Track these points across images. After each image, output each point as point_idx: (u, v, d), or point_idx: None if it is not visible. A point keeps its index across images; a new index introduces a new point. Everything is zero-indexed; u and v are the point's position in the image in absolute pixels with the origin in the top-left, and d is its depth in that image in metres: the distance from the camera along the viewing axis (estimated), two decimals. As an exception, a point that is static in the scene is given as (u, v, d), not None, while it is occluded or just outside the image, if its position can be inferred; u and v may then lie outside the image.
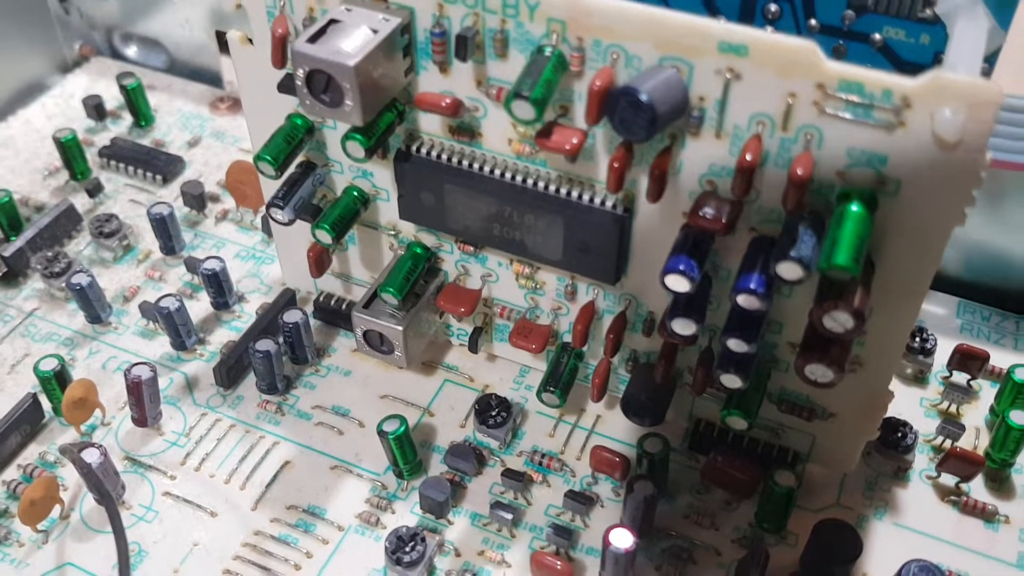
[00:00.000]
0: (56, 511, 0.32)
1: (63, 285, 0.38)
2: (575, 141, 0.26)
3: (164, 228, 0.40)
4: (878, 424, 0.31)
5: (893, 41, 0.28)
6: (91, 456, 0.31)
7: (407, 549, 0.30)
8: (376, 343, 0.34)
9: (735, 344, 0.27)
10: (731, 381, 0.28)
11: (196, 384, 0.36)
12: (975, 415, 0.35)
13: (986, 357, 0.35)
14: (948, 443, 0.34)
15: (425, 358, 0.37)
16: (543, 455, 0.34)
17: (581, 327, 0.32)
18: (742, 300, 0.26)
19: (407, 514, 0.32)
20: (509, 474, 0.32)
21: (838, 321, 0.25)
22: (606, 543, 0.28)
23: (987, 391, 0.36)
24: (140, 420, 0.34)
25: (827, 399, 0.31)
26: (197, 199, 0.43)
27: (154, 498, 0.33)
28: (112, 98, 0.49)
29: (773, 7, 0.29)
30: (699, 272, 0.26)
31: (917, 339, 0.36)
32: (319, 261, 0.35)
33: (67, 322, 0.39)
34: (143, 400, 0.34)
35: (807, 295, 0.27)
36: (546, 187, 0.29)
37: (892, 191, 0.25)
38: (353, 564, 0.31)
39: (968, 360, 0.36)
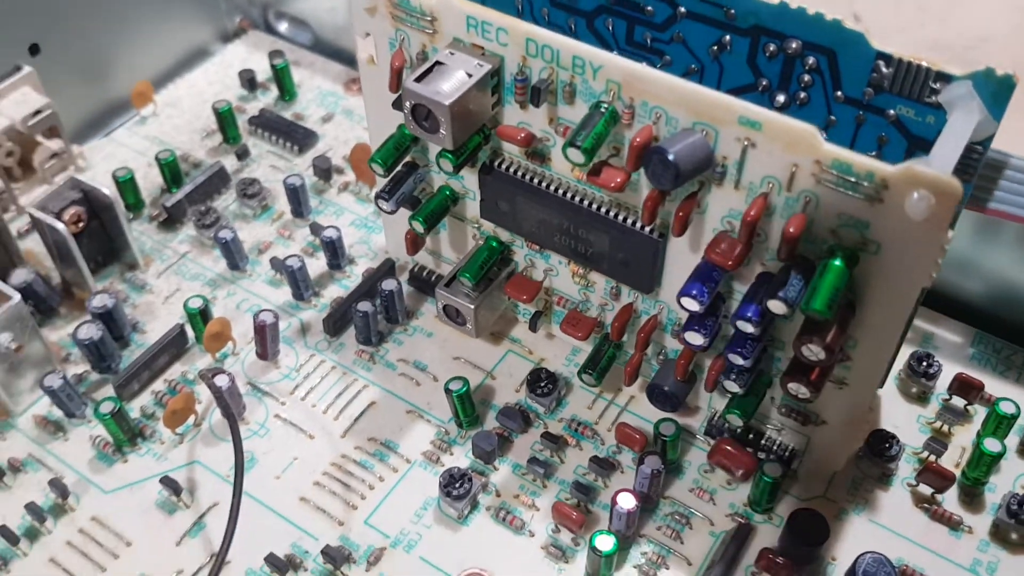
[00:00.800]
0: (191, 420, 0.41)
1: (211, 236, 0.47)
2: (619, 181, 0.32)
3: (296, 196, 0.48)
4: (863, 435, 0.37)
5: (904, 117, 0.33)
6: (222, 380, 0.39)
7: (457, 485, 0.37)
8: (453, 315, 0.41)
9: (733, 358, 0.33)
10: (731, 387, 0.34)
11: (308, 330, 0.45)
12: (965, 436, 0.40)
13: (981, 387, 0.40)
14: (932, 458, 0.39)
15: (495, 329, 0.44)
16: (579, 423, 0.40)
17: (619, 324, 0.38)
18: (740, 324, 0.32)
19: (462, 457, 0.40)
20: (548, 436, 0.39)
21: (812, 352, 0.31)
22: (613, 503, 0.35)
23: (981, 416, 0.40)
24: (262, 355, 0.43)
25: (820, 408, 0.37)
26: (324, 172, 0.50)
27: (267, 418, 0.41)
28: (263, 71, 0.57)
29: (807, 77, 0.34)
30: (708, 297, 0.32)
31: (924, 363, 0.41)
32: (414, 243, 0.42)
33: (211, 266, 0.47)
34: (266, 339, 0.42)
35: (805, 322, 0.33)
36: (599, 208, 0.36)
37: (873, 251, 0.30)
38: (414, 492, 0.39)
39: (966, 387, 0.40)
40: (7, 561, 0.37)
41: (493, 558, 0.37)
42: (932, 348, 0.43)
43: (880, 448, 0.38)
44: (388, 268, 0.45)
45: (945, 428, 0.40)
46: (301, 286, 0.45)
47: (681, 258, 0.35)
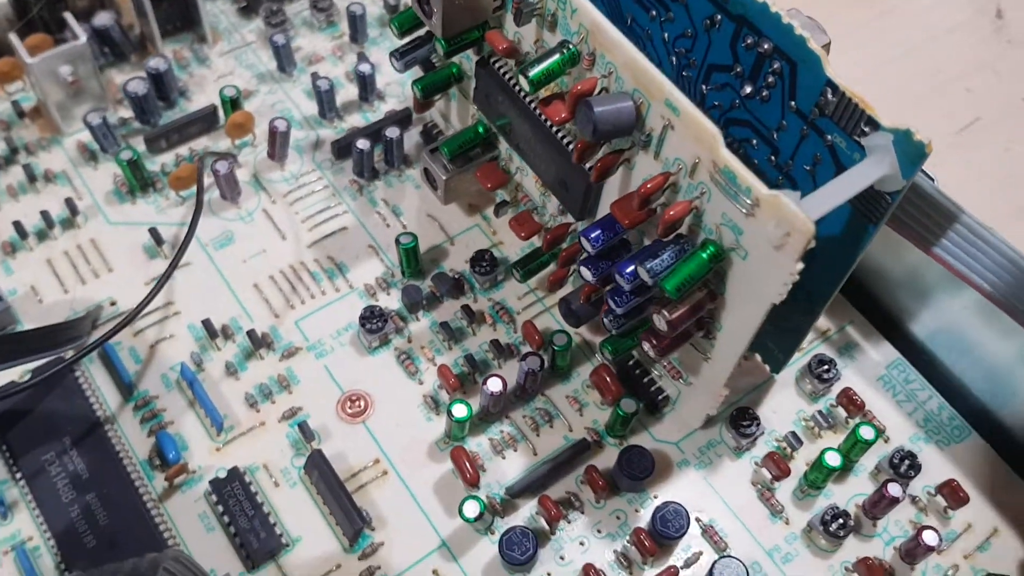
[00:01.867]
0: (194, 189, 0.47)
1: (271, 36, 0.52)
2: (561, 116, 0.36)
3: (355, 23, 0.52)
4: (716, 405, 0.40)
5: (837, 146, 0.34)
6: (222, 166, 0.46)
7: (374, 321, 0.43)
8: (429, 178, 0.46)
9: (611, 303, 0.37)
10: (607, 325, 0.38)
11: (319, 147, 0.50)
12: (831, 441, 0.43)
13: (862, 406, 0.43)
14: (788, 449, 0.43)
15: (474, 202, 0.48)
16: (503, 308, 0.45)
17: (551, 237, 0.42)
18: (616, 277, 0.35)
19: (394, 300, 0.45)
20: (467, 309, 0.45)
21: (658, 321, 0.34)
22: (484, 381, 0.41)
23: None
24: (271, 155, 0.49)
25: (686, 370, 0.41)
26: (393, 8, 0.54)
27: (256, 209, 0.48)
28: None
29: (771, 79, 0.35)
30: (602, 244, 0.36)
31: (824, 367, 0.44)
32: (418, 104, 0.46)
33: (266, 62, 0.53)
34: (275, 143, 0.48)
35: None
36: (556, 131, 0.39)
37: (742, 256, 0.33)
38: (343, 313, 0.45)
39: (849, 402, 0.43)
40: (15, 249, 0.45)
41: (379, 388, 0.43)
42: (847, 356, 0.45)
43: (739, 422, 0.42)
44: (403, 117, 0.50)
45: (816, 430, 0.43)
46: (326, 106, 0.50)
47: (609, 202, 0.38)
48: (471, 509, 0.38)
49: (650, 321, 0.36)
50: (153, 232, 0.46)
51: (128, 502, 0.38)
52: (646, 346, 0.37)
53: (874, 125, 0.32)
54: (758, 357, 0.44)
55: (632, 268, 0.35)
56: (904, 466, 0.41)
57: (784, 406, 0.44)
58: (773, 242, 0.31)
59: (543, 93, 0.37)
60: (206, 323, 0.43)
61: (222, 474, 0.40)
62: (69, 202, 0.46)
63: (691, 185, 0.34)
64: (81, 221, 0.46)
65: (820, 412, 0.44)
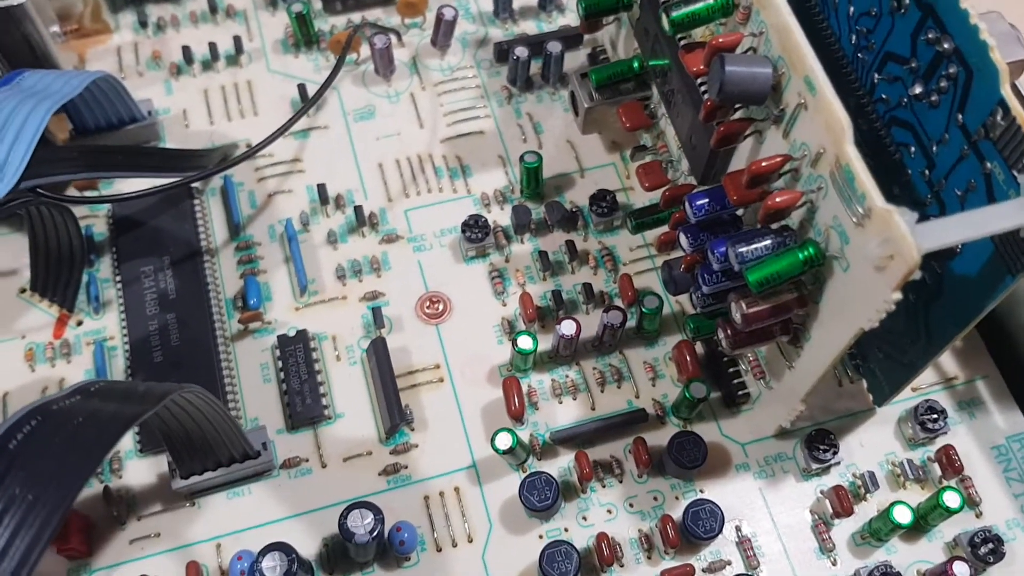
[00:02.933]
0: (355, 56, 0.48)
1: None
2: (698, 68, 0.33)
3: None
4: (789, 419, 0.37)
5: (994, 176, 0.29)
6: (379, 40, 0.45)
7: (475, 230, 0.42)
8: (572, 102, 0.44)
9: (699, 280, 0.34)
10: (695, 302, 0.36)
11: (484, 44, 0.49)
12: (913, 495, 0.39)
13: (960, 470, 0.38)
14: (860, 488, 0.39)
15: (617, 139, 0.46)
16: (610, 254, 0.43)
17: (669, 195, 0.39)
18: (708, 254, 0.33)
19: (504, 216, 0.44)
20: (571, 245, 0.43)
21: (733, 311, 0.32)
22: (559, 320, 0.39)
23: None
24: (433, 42, 0.48)
25: (769, 372, 0.37)
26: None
27: (404, 92, 0.48)
28: None
29: (944, 83, 0.31)
30: (705, 214, 0.33)
31: (931, 415, 0.39)
32: (584, 25, 0.43)
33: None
34: (439, 30, 0.47)
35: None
36: (700, 82, 0.36)
37: (844, 268, 0.30)
38: (452, 214, 0.44)
39: (949, 462, 0.39)
40: (180, 72, 0.48)
41: (462, 297, 0.42)
42: (966, 411, 0.40)
43: (815, 444, 0.39)
44: (573, 35, 0.48)
45: (901, 478, 0.39)
46: (501, 5, 0.49)
47: (735, 167, 0.35)
48: (503, 441, 0.37)
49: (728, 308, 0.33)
50: (301, 88, 0.46)
51: (202, 331, 0.40)
52: (720, 333, 0.34)
53: (1041, 163, 0.28)
54: (864, 383, 0.40)
55: (724, 248, 0.32)
56: (985, 549, 0.37)
57: (875, 442, 0.40)
58: (874, 261, 0.27)
59: (697, 37, 0.34)
60: (322, 188, 0.44)
61: (291, 333, 0.41)
62: (238, 40, 0.48)
63: (811, 176, 0.30)
64: (244, 61, 0.48)
65: (912, 461, 0.39)
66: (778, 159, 0.30)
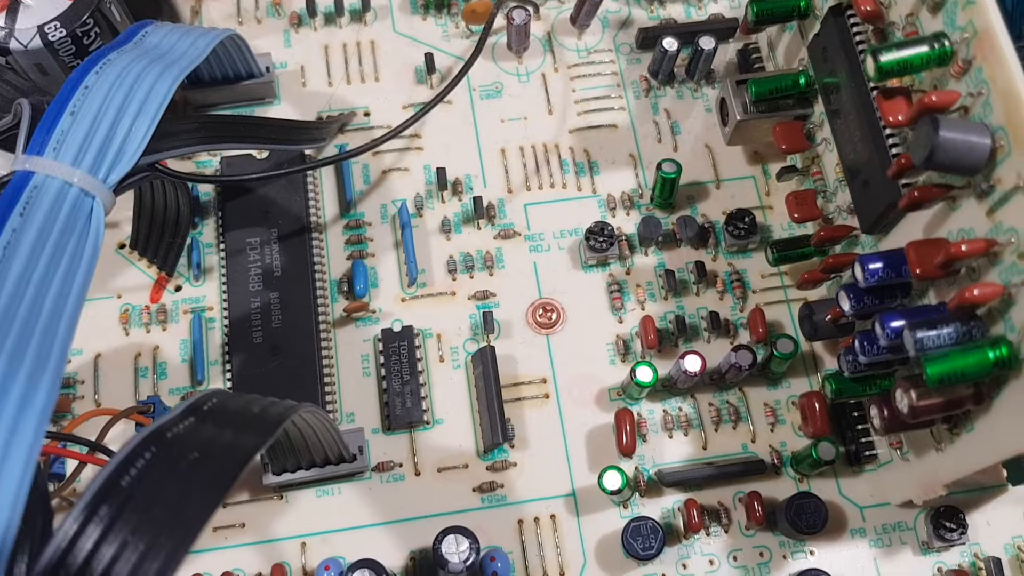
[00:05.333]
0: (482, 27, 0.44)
1: None
2: (897, 119, 0.29)
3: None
4: (924, 499, 0.34)
5: None
6: (518, 16, 0.42)
7: (599, 238, 0.40)
8: (722, 109, 0.40)
9: (856, 345, 0.31)
10: (840, 364, 0.33)
11: (626, 27, 0.45)
12: (1038, 589, 0.36)
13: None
14: (982, 571, 0.36)
15: (760, 150, 0.42)
16: (740, 279, 0.40)
17: (825, 235, 0.36)
18: (877, 326, 0.30)
19: (629, 224, 0.41)
20: (700, 266, 0.40)
21: (900, 399, 0.29)
22: (682, 356, 0.36)
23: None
24: (573, 19, 0.44)
25: (912, 446, 0.34)
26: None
27: (535, 70, 0.44)
28: None
29: None
30: (876, 280, 0.30)
31: None
32: (746, 26, 0.39)
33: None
34: (582, 8, 0.43)
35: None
36: (877, 119, 0.32)
37: (1039, 379, 0.26)
38: (575, 215, 0.41)
39: None
40: (301, 23, 0.44)
41: (577, 308, 0.40)
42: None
43: (942, 522, 0.36)
44: (727, 28, 0.44)
45: None
46: (648, -13, 0.45)
47: (907, 231, 0.32)
48: (611, 481, 0.35)
49: (892, 388, 0.30)
50: (428, 57, 0.43)
51: (304, 314, 0.38)
52: (873, 412, 0.31)
53: None
54: (1001, 457, 0.37)
55: (900, 326, 0.29)
56: (1113, 659, 0.34)
57: (1003, 523, 0.37)
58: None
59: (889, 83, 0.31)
60: (441, 172, 0.41)
61: (397, 327, 0.39)
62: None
63: (1014, 266, 0.27)
64: (370, 19, 0.45)
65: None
66: (982, 243, 0.27)
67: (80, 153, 0.29)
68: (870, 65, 0.28)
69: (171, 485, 0.23)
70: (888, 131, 0.32)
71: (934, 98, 0.27)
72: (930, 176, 0.30)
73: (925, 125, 0.27)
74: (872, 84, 0.32)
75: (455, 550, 0.34)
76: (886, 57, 0.28)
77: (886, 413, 0.30)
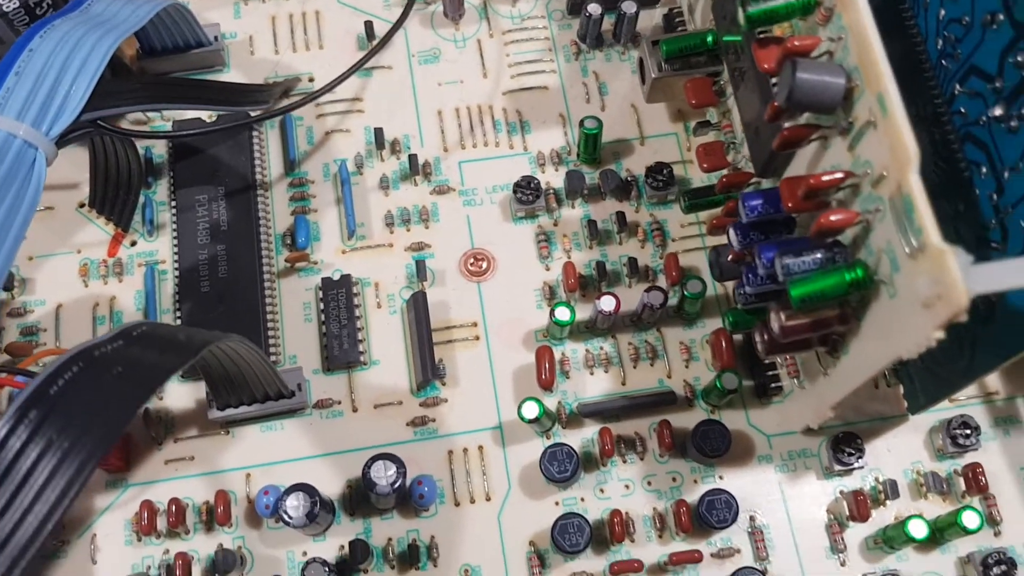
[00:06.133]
0: (423, -4, 0.47)
1: None
2: (768, 65, 0.32)
3: None
4: (818, 422, 0.37)
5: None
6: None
7: (525, 191, 0.42)
8: (642, 71, 0.43)
9: (744, 278, 0.34)
10: (738, 299, 0.36)
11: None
12: (934, 507, 0.39)
13: (984, 489, 0.38)
14: (881, 494, 0.39)
15: (683, 108, 0.45)
16: (659, 228, 0.43)
17: (727, 181, 0.38)
18: (756, 257, 0.32)
19: (558, 179, 0.44)
20: (621, 216, 0.42)
21: (772, 320, 0.31)
22: (600, 295, 0.39)
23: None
24: (506, -13, 0.47)
25: (805, 374, 0.37)
26: None
27: (472, 36, 0.47)
28: None
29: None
30: (757, 215, 0.33)
31: (963, 430, 0.39)
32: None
33: None
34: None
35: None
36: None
37: (891, 294, 0.29)
38: (506, 171, 0.44)
39: (974, 479, 0.38)
40: (248, -3, 0.47)
41: (507, 258, 0.42)
42: (1001, 428, 0.40)
43: (841, 447, 0.39)
44: (649, -6, 0.46)
45: (924, 489, 0.39)
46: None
47: (793, 172, 0.34)
48: (529, 410, 0.38)
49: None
50: (368, 25, 0.46)
51: (249, 265, 0.41)
52: (757, 337, 0.34)
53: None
54: (901, 389, 0.40)
55: (772, 256, 0.31)
56: (997, 571, 0.37)
57: (902, 450, 0.40)
58: (921, 298, 0.27)
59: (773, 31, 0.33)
60: (379, 132, 0.44)
61: (336, 276, 0.41)
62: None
63: (871, 196, 0.29)
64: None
65: (937, 474, 0.39)
66: (838, 176, 0.29)
67: (24, 108, 0.32)
68: (740, 15, 0.31)
69: (94, 395, 0.26)
70: (774, 80, 0.34)
71: (796, 43, 0.30)
72: (808, 118, 0.33)
73: (787, 67, 0.29)
74: (761, 32, 0.34)
75: (383, 475, 0.36)
76: (754, 7, 0.30)
77: (766, 336, 0.33)
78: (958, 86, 0.33)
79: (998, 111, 0.30)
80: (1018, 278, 0.26)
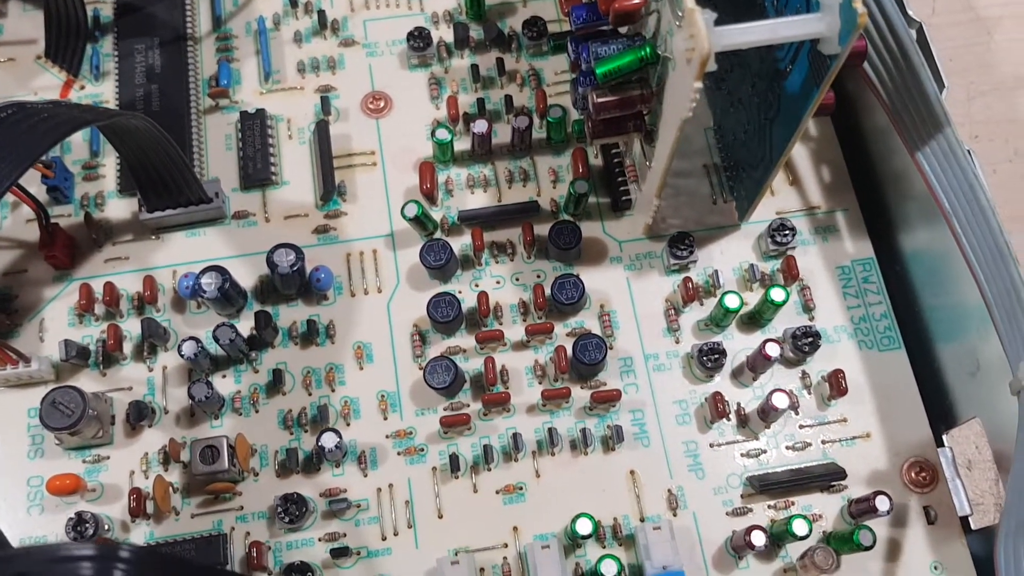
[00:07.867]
0: None
1: None
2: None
3: None
4: (649, 214, 0.43)
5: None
6: None
7: (419, 41, 0.49)
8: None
9: (579, 80, 0.41)
10: (576, 103, 0.42)
11: None
12: (757, 297, 0.45)
13: (797, 276, 0.45)
14: (712, 284, 0.45)
15: None
16: (536, 75, 0.50)
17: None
18: (580, 60, 0.39)
19: (448, 33, 0.50)
20: (500, 63, 0.49)
21: (588, 99, 0.38)
22: (472, 121, 0.46)
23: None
24: None
25: (642, 176, 0.44)
26: None
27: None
28: None
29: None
30: (583, 21, 0.39)
31: (786, 232, 0.45)
32: None
33: None
34: None
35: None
36: None
37: (672, 67, 0.36)
38: (403, 28, 0.50)
39: (788, 269, 0.45)
40: None
41: (402, 99, 0.49)
42: (821, 236, 0.47)
43: (676, 244, 0.45)
44: None
45: (748, 281, 0.46)
46: None
47: (620, -7, 0.41)
48: (410, 209, 0.44)
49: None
50: None
51: (179, 101, 0.48)
52: (587, 126, 0.40)
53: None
54: (734, 205, 0.47)
55: (586, 46, 0.38)
56: (803, 340, 0.43)
57: (733, 251, 0.46)
58: (683, 54, 0.33)
59: None
60: (294, -5, 0.51)
61: (251, 110, 0.48)
62: None
63: (662, -12, 0.36)
64: None
65: (761, 269, 0.46)
66: (635, -31, 0.36)
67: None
68: None
69: (21, 127, 0.33)
70: None
71: None
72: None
73: None
74: None
75: (284, 260, 0.43)
76: None
77: (589, 123, 0.40)
78: (750, -83, 0.39)
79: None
80: (750, 35, 0.33)
